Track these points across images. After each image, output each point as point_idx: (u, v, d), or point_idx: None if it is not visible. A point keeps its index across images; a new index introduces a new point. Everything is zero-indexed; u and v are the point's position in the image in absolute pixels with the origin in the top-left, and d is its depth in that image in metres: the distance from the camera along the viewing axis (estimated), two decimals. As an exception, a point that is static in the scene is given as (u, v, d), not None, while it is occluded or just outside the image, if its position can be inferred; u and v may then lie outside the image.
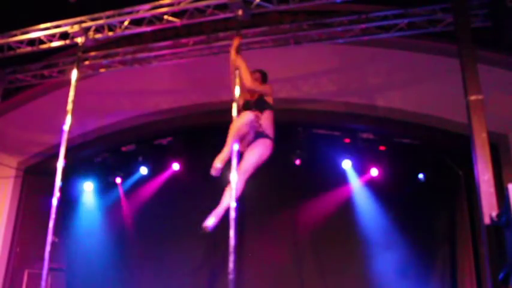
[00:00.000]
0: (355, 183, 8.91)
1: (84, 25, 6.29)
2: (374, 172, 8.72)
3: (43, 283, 5.44)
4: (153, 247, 9.43)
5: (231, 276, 4.35)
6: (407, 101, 7.55)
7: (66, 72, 7.32)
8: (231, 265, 4.36)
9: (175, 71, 7.64)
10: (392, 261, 8.39)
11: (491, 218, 4.02)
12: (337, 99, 7.86)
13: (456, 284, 8.14)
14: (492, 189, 4.15)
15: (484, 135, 4.31)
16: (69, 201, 9.89)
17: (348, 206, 8.86)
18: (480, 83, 4.56)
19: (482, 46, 5.65)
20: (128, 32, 6.31)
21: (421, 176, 8.60)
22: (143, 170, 9.66)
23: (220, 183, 4.96)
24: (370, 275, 8.45)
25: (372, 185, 8.81)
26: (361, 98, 7.76)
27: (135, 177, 9.87)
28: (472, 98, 4.48)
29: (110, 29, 6.32)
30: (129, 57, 7.15)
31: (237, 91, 5.00)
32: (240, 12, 5.53)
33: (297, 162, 8.84)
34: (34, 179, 9.68)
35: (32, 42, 6.76)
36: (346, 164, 8.81)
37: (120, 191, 10.06)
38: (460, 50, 4.79)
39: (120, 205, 10.01)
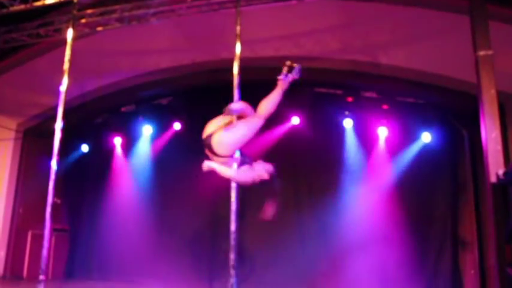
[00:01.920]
0: (357, 142, 8.85)
1: (79, -20, 6.09)
2: (382, 132, 8.64)
3: (46, 244, 5.47)
4: (155, 206, 9.48)
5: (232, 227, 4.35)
6: (412, 59, 7.37)
7: (62, 31, 7.14)
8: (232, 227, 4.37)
9: (174, 28, 7.44)
10: (394, 219, 8.43)
11: (498, 176, 3.97)
12: (341, 57, 7.68)
13: (457, 243, 8.19)
14: (499, 147, 4.09)
15: (493, 91, 4.21)
16: (70, 162, 9.90)
17: (348, 164, 8.83)
18: (490, 38, 4.42)
19: (492, 1, 5.44)
20: (124, -12, 6.12)
21: (424, 135, 8.52)
22: (145, 130, 9.64)
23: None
24: (371, 233, 8.50)
25: (374, 145, 8.75)
26: (365, 56, 7.58)
27: (136, 137, 9.85)
28: (481, 53, 4.36)
29: (106, -15, 6.13)
30: (126, 14, 6.93)
31: None
32: (240, -34, 5.33)
33: (297, 121, 8.79)
34: (34, 141, 9.65)
35: (24, -1, 6.54)
36: (348, 123, 8.75)
37: (121, 151, 10.05)
38: (470, 4, 4.63)
39: (121, 165, 10.03)
